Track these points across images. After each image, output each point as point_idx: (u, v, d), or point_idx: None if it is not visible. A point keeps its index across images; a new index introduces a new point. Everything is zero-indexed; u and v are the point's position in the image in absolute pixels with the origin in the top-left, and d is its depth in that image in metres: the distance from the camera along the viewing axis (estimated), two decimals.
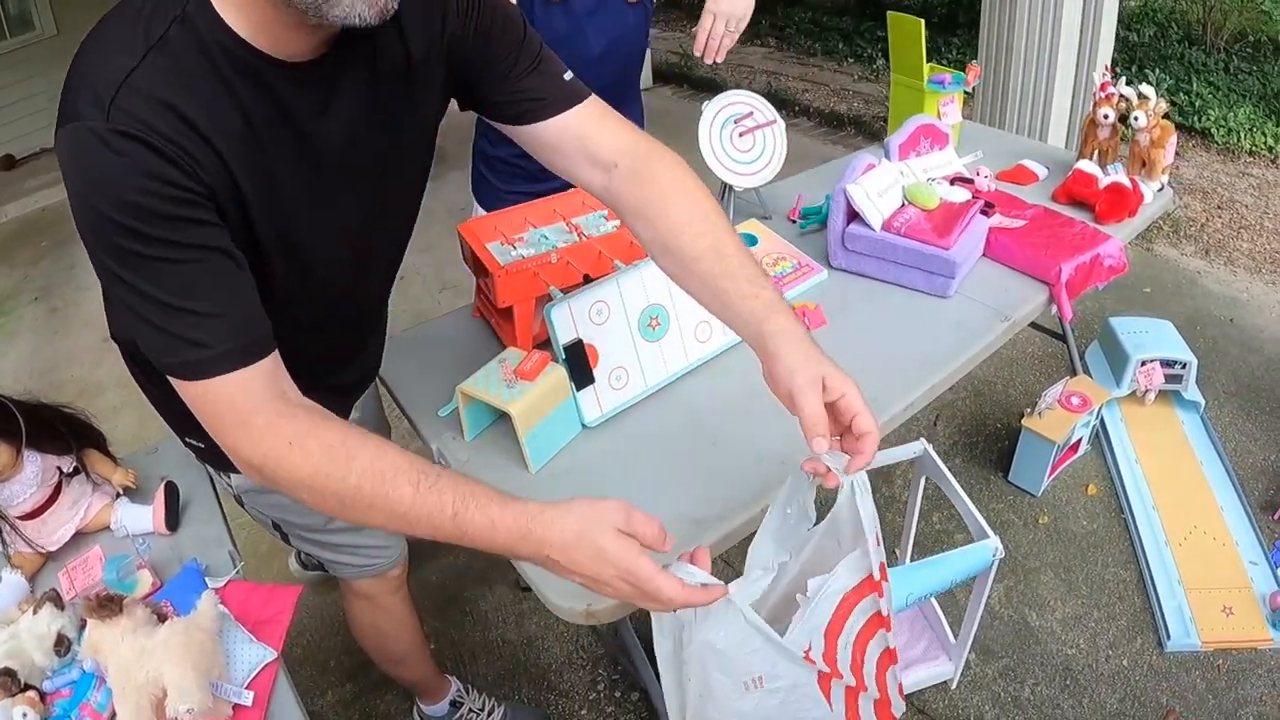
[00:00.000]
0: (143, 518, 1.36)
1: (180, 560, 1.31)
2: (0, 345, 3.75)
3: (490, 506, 0.84)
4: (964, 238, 1.65)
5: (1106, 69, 2.06)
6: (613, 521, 0.83)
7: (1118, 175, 1.94)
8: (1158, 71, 4.90)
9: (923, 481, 1.79)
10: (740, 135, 1.85)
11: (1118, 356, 2.51)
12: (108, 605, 1.07)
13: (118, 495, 1.41)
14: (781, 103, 5.44)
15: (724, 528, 1.11)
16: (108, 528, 1.38)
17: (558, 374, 1.23)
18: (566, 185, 1.24)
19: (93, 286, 4.28)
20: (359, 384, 1.39)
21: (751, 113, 1.84)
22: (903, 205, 1.75)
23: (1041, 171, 2.11)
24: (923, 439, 1.74)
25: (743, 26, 1.58)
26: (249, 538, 2.52)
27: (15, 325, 3.88)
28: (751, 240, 1.78)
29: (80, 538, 1.39)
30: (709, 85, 5.98)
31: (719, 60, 1.60)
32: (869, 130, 4.84)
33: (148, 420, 2.83)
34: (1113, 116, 1.99)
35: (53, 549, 1.35)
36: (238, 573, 1.27)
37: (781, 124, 1.89)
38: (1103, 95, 1.98)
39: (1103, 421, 2.46)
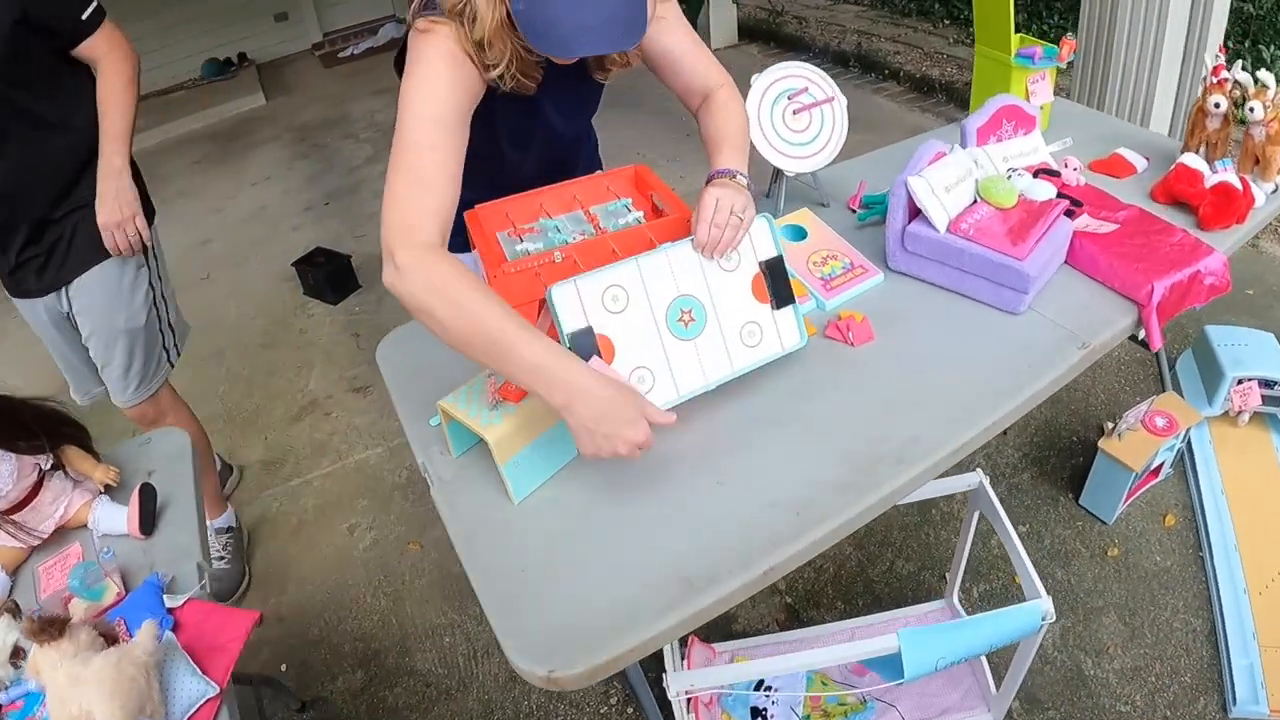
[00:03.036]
0: (119, 518, 1.30)
1: (151, 567, 1.25)
2: None
3: None
4: (1043, 245, 1.43)
5: (1220, 50, 1.75)
6: None
7: (1226, 173, 1.67)
8: (1273, 48, 4.35)
9: (976, 515, 1.61)
10: (794, 113, 1.65)
11: (1212, 371, 2.23)
12: (48, 629, 1.01)
13: (100, 492, 1.36)
14: (870, 65, 5.11)
15: (715, 592, 0.96)
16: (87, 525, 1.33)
17: None
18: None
19: (161, 239, 4.36)
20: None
21: (806, 88, 1.64)
22: (975, 202, 1.53)
23: (1140, 163, 1.84)
24: (979, 470, 1.55)
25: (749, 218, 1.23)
26: (264, 513, 2.50)
27: None
28: (799, 233, 1.60)
29: (65, 531, 1.35)
30: (796, 43, 5.67)
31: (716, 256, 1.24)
32: (961, 98, 4.49)
33: (196, 379, 2.92)
34: (1224, 106, 1.70)
35: (34, 544, 1.32)
36: (202, 588, 1.19)
37: (842, 100, 1.69)
38: (1214, 81, 1.70)
39: (1189, 442, 2.19)
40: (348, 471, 2.57)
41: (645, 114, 4.53)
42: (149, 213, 1.86)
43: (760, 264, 1.25)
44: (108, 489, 1.36)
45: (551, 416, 1.11)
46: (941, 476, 1.26)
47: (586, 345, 1.12)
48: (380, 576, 2.22)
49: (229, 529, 2.29)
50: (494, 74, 1.13)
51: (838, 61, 5.32)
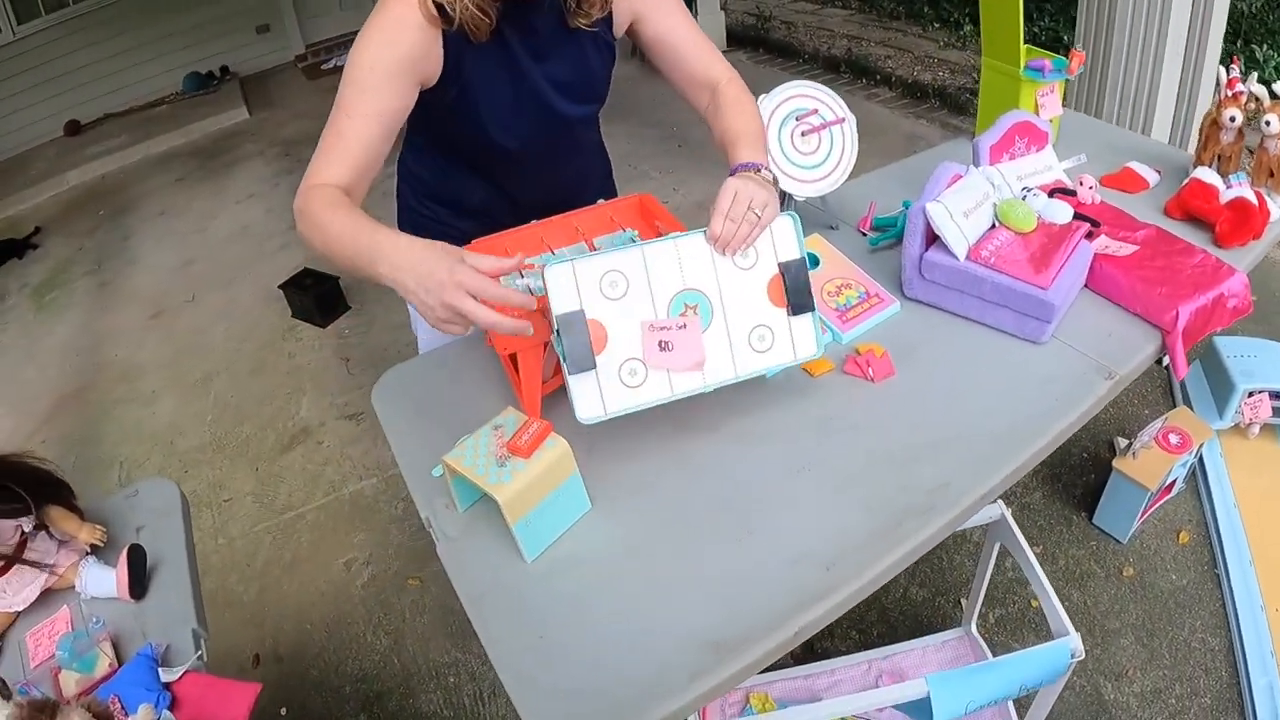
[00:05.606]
0: (108, 581, 1.23)
1: (144, 634, 1.18)
2: (50, 319, 3.74)
3: None
4: (1065, 271, 1.38)
5: (1234, 62, 1.72)
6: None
7: (1241, 188, 1.63)
8: (1265, 47, 4.35)
9: (996, 547, 1.56)
10: (803, 135, 1.60)
11: (1222, 383, 2.20)
12: (36, 716, 0.95)
13: (88, 552, 1.29)
14: (862, 71, 5.07)
15: (745, 656, 0.91)
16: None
17: (559, 449, 1.04)
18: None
19: (143, 259, 4.30)
20: None
21: (816, 109, 1.59)
22: (994, 227, 1.48)
23: (1151, 177, 1.80)
24: (999, 501, 1.51)
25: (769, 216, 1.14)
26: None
27: (67, 299, 3.87)
28: (813, 261, 1.54)
29: (53, 594, 1.27)
30: (785, 50, 5.64)
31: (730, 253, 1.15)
32: (954, 103, 4.46)
33: (183, 407, 2.81)
34: (1240, 120, 1.67)
35: (19, 609, 1.24)
36: (199, 658, 1.13)
37: (852, 120, 1.63)
38: (1229, 94, 1.66)
39: (1200, 456, 2.16)
40: (342, 504, 2.50)
41: (637, 124, 4.49)
42: None
43: (780, 265, 1.16)
44: (94, 549, 1.29)
45: (565, 471, 1.05)
46: None
47: (576, 327, 1.07)
48: (380, 614, 2.15)
49: None
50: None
51: (828, 68, 5.29)
